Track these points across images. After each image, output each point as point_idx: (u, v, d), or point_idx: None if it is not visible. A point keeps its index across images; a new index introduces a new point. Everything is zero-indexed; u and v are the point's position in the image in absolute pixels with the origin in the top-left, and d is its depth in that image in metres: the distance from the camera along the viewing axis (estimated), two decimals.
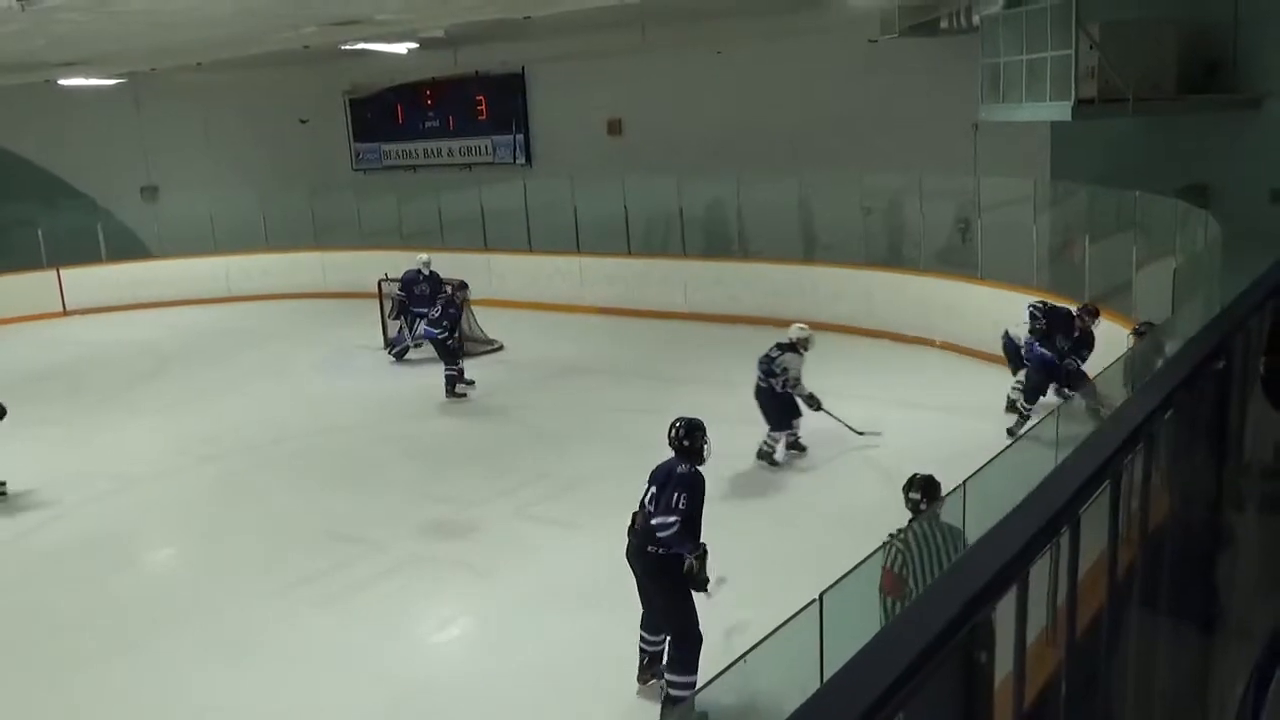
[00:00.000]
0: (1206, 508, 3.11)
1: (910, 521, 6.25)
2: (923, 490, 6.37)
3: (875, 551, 5.98)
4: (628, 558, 7.17)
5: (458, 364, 14.90)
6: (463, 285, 15.51)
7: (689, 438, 7.25)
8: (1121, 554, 2.33)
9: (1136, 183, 13.44)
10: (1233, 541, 3.38)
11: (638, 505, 7.16)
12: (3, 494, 11.73)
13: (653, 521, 6.83)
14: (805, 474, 11.20)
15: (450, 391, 14.75)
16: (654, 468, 7.25)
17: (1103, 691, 2.40)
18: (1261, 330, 2.84)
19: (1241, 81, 13.73)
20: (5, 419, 11.50)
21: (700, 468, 7.12)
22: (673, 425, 7.41)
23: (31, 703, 7.68)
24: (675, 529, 6.74)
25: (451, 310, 15.08)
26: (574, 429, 13.54)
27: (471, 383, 15.06)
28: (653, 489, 7.04)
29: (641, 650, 7.18)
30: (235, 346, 19.44)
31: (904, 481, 6.53)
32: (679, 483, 6.91)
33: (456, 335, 15.17)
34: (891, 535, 5.96)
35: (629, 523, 7.18)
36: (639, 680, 7.17)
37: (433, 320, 15.05)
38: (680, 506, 6.79)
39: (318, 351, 18.31)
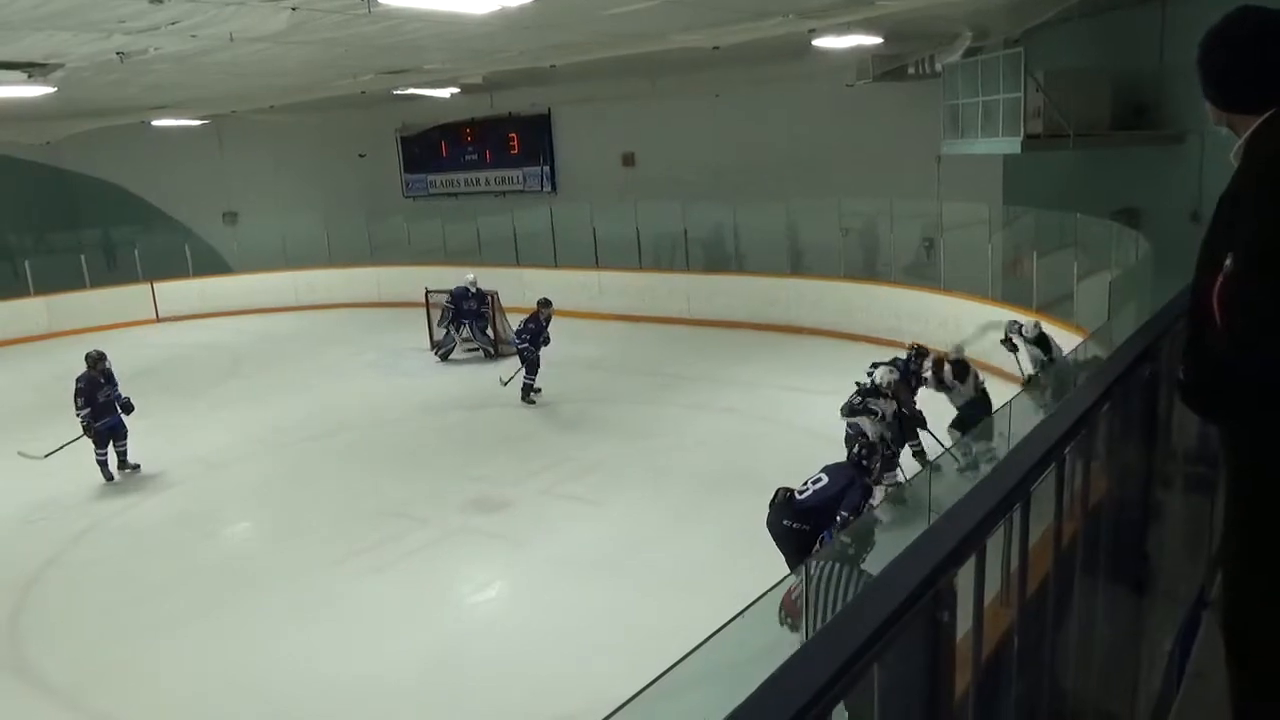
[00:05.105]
0: (1139, 487, 3.09)
1: (826, 563, 5.92)
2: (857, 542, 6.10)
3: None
4: (767, 525, 7.28)
5: (533, 375, 14.17)
6: (546, 303, 14.49)
7: (868, 459, 7.56)
8: (1066, 527, 2.32)
9: (1077, 206, 13.42)
10: (1162, 516, 3.37)
11: (798, 485, 7.32)
12: (137, 467, 11.93)
13: (841, 514, 7.05)
14: (780, 455, 11.06)
15: (525, 397, 14.15)
16: (825, 465, 7.55)
17: (1050, 646, 2.39)
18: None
19: (1166, 120, 13.69)
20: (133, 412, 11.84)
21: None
22: (857, 443, 7.85)
23: (127, 659, 7.71)
24: (848, 522, 6.99)
25: (532, 325, 14.22)
26: (593, 418, 13.53)
27: (538, 390, 14.36)
28: (823, 479, 7.25)
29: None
30: (301, 349, 19.47)
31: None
32: (864, 490, 7.30)
33: (539, 347, 14.20)
34: (804, 564, 5.87)
35: (771, 497, 7.29)
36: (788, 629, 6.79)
37: (517, 333, 14.40)
38: (861, 508, 7.15)
39: (372, 354, 18.30)
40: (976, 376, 10.61)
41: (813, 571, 5.66)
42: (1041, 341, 11.24)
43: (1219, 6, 2.04)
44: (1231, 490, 2.13)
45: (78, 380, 11.60)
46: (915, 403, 10.34)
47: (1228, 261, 1.82)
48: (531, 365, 14.23)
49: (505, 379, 14.50)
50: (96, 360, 11.76)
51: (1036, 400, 9.73)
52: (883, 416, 9.67)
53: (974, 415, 10.18)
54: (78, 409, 11.51)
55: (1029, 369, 11.23)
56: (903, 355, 10.98)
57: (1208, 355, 1.93)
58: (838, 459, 8.33)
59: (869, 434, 9.22)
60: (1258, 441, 1.93)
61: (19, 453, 11.84)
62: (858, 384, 10.05)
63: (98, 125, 21.07)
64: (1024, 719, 2.28)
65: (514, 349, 16.58)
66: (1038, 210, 14.70)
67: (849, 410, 9.79)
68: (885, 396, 9.75)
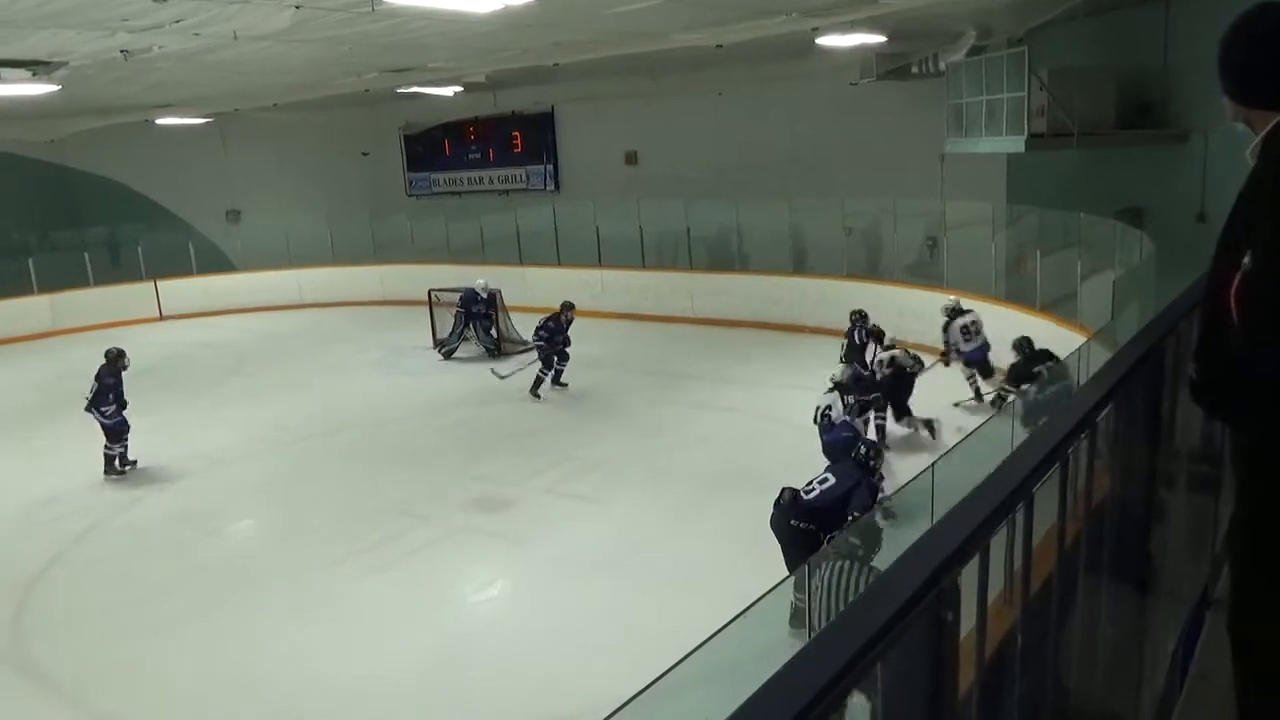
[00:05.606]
0: (1142, 487, 3.09)
1: (837, 562, 5.97)
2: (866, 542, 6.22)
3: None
4: (771, 525, 7.28)
5: (548, 371, 14.38)
6: (569, 306, 14.64)
7: (875, 460, 7.67)
8: (1069, 526, 2.32)
9: (1081, 206, 13.40)
10: (1165, 516, 3.37)
11: (803, 484, 7.36)
12: (134, 463, 11.93)
13: (853, 514, 7.07)
14: (782, 454, 11.07)
15: (534, 390, 14.28)
16: (828, 465, 7.76)
17: (1053, 645, 2.38)
18: (1191, 335, 2.83)
19: (1170, 119, 13.67)
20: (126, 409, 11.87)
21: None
22: (864, 445, 7.89)
23: (130, 657, 7.71)
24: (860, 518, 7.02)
25: (551, 324, 14.41)
26: (596, 417, 13.52)
27: (565, 384, 14.61)
28: (830, 479, 7.28)
29: (795, 606, 6.37)
30: (305, 347, 19.49)
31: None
32: (871, 490, 7.35)
33: (555, 346, 14.45)
34: (807, 564, 5.93)
35: (776, 497, 7.31)
36: (790, 625, 6.32)
37: (536, 331, 14.53)
38: (870, 507, 7.17)
39: (375, 352, 18.32)
40: (881, 362, 11.46)
41: (823, 572, 5.68)
42: (947, 326, 12.53)
43: (1223, 5, 2.04)
44: (1238, 489, 2.12)
45: (105, 377, 11.67)
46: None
47: (1246, 259, 1.82)
48: (546, 361, 14.35)
49: (503, 374, 14.54)
50: (118, 357, 11.86)
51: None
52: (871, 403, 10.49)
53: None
54: (106, 404, 11.59)
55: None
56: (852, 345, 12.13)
57: (1220, 353, 1.93)
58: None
59: (868, 431, 9.37)
60: (1268, 440, 1.93)
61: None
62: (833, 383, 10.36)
63: (102, 123, 21.12)
64: (1027, 718, 2.28)
65: (518, 348, 16.85)
66: (1041, 209, 14.68)
67: (857, 412, 9.93)
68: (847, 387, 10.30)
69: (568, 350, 14.57)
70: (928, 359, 12.34)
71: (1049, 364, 10.81)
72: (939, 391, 12.32)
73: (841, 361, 11.73)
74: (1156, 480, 3.19)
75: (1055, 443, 2.07)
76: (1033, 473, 1.92)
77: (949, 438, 10.89)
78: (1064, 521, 2.27)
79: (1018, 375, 11.22)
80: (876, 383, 11.23)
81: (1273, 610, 2.01)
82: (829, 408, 9.84)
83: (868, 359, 11.71)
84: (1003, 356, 11.96)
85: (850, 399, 9.99)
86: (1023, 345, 11.29)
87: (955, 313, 12.64)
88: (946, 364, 12.62)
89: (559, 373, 14.59)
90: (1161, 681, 3.23)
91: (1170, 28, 13.31)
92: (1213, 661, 3.00)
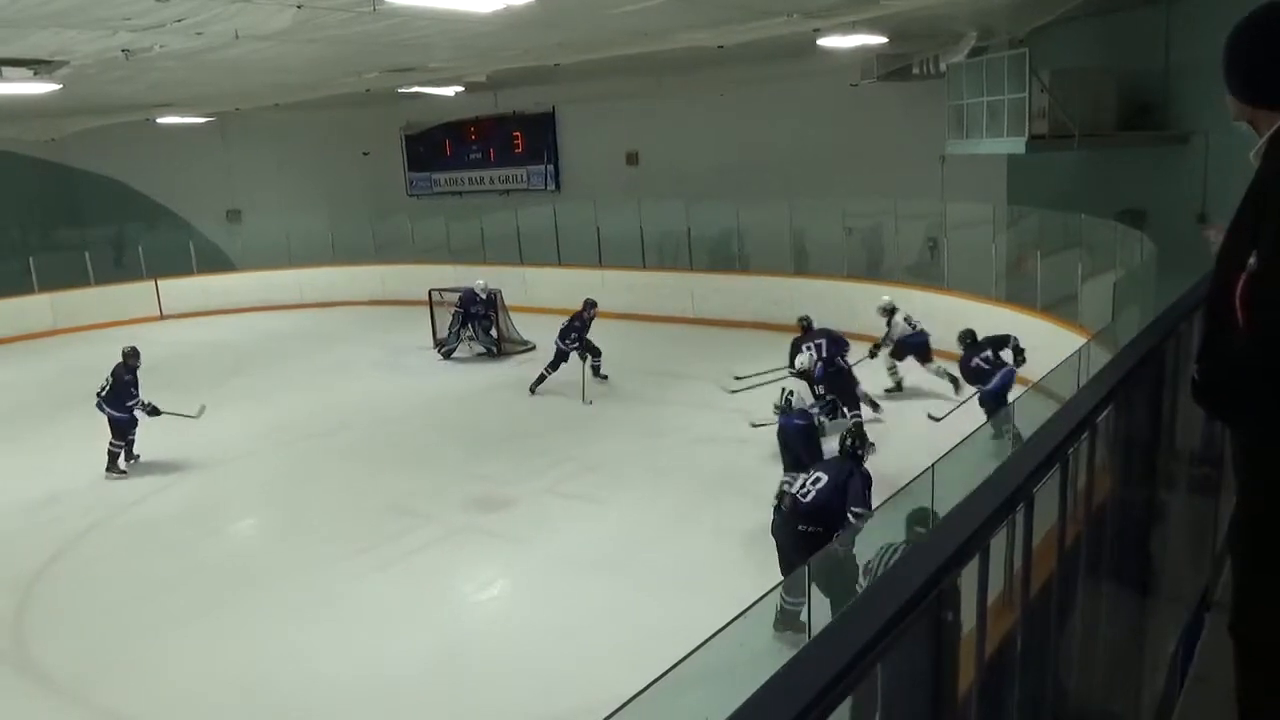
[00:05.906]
0: (1143, 488, 3.09)
1: (896, 545, 5.97)
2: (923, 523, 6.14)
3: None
4: (773, 532, 7.23)
5: (553, 371, 14.57)
6: (592, 304, 15.02)
7: (861, 447, 7.59)
8: (1069, 528, 2.32)
9: (1081, 207, 13.40)
10: (1165, 517, 3.37)
11: (797, 488, 7.28)
12: (138, 457, 12.06)
13: (852, 511, 6.94)
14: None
15: (533, 389, 14.52)
16: (819, 462, 7.68)
17: (1053, 646, 2.39)
18: (1192, 336, 2.83)
19: (1171, 120, 13.68)
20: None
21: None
22: (847, 433, 7.74)
23: (131, 655, 7.71)
24: (866, 520, 6.85)
25: (578, 324, 14.68)
26: (596, 417, 13.51)
27: (605, 377, 14.88)
28: (822, 477, 7.15)
29: (784, 609, 6.45)
30: (305, 347, 19.46)
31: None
32: (865, 479, 7.17)
33: (583, 343, 14.72)
34: (807, 565, 5.96)
35: (776, 502, 7.27)
36: (775, 629, 6.33)
37: (562, 334, 14.68)
38: (869, 500, 7.08)
39: (376, 352, 18.30)
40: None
41: (879, 558, 5.66)
42: (890, 322, 13.13)
43: (1225, 6, 2.04)
44: (1239, 490, 2.13)
45: (126, 373, 11.80)
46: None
47: (1251, 260, 1.82)
48: (556, 361, 14.53)
49: (588, 400, 14.46)
50: (133, 355, 12.03)
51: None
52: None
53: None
54: (129, 398, 11.72)
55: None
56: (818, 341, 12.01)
57: (1224, 354, 1.93)
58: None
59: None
60: (1270, 441, 1.93)
61: (197, 413, 12.15)
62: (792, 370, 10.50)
63: (102, 122, 21.12)
64: (1027, 718, 2.28)
65: (519, 348, 16.89)
66: (1042, 211, 14.67)
67: (830, 410, 10.03)
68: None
69: (594, 345, 14.84)
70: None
71: (988, 353, 10.79)
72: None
73: (804, 349, 11.75)
74: (1157, 481, 3.19)
75: (1055, 444, 2.07)
76: (1033, 474, 1.92)
77: (945, 437, 10.88)
78: (1064, 523, 2.28)
79: (966, 372, 11.21)
80: (852, 378, 11.47)
81: (1274, 612, 2.01)
82: (792, 393, 9.88)
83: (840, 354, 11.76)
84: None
85: (820, 389, 10.07)
86: (964, 338, 11.34)
87: (893, 310, 13.14)
88: (874, 355, 13.19)
89: (596, 367, 14.82)
90: (1161, 683, 3.23)
91: (1171, 29, 13.33)
92: (1213, 663, 3.00)
